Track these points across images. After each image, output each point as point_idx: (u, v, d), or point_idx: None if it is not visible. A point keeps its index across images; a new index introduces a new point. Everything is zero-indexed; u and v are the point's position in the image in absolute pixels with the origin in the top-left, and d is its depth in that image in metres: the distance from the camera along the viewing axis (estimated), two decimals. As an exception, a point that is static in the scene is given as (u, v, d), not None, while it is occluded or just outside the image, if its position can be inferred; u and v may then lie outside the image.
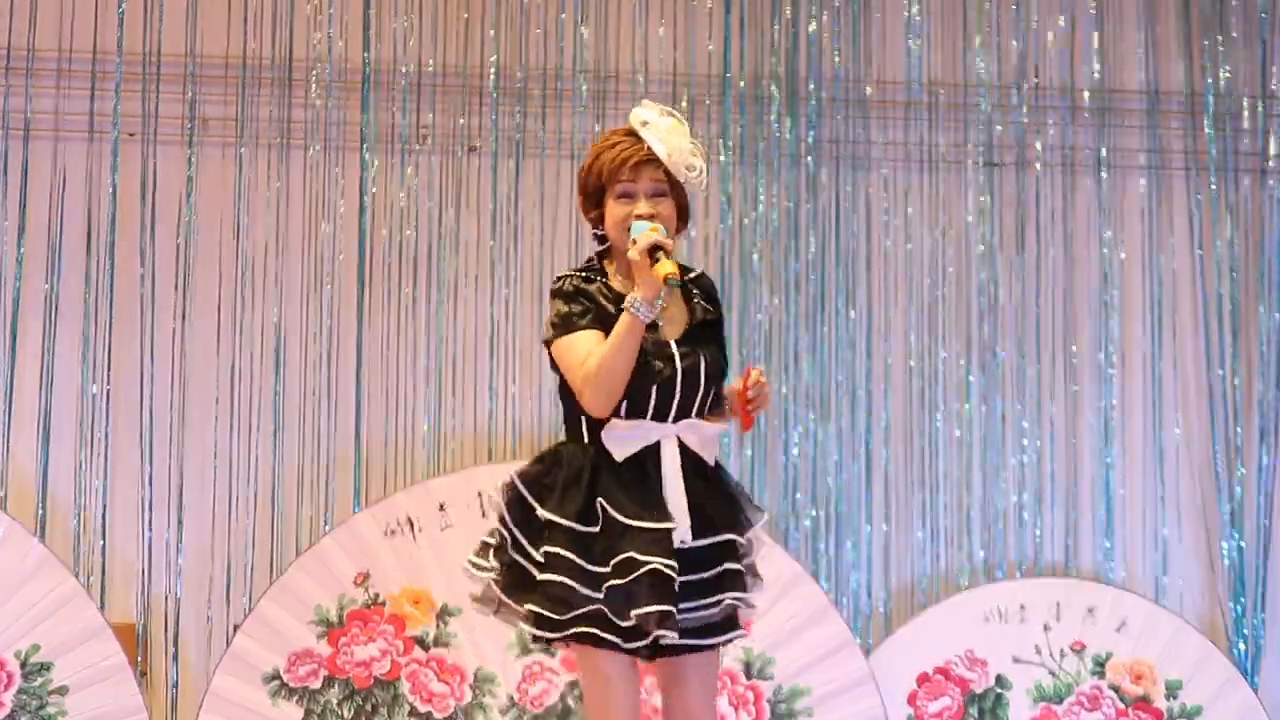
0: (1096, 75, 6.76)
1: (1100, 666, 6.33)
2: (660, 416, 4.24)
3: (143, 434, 6.38)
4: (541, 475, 4.28)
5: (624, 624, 4.11)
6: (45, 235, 6.42)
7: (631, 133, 4.30)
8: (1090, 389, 6.69)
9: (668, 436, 4.24)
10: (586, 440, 4.27)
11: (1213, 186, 6.74)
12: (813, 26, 6.65)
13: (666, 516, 4.17)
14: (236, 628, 6.17)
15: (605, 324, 4.23)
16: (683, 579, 4.14)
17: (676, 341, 4.26)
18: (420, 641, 6.14)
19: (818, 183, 6.63)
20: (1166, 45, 6.81)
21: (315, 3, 6.53)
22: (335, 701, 6.09)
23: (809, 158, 6.62)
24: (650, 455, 4.23)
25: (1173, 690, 6.30)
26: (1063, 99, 6.76)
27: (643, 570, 4.10)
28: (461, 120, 6.55)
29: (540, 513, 4.22)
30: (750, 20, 6.64)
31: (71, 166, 6.46)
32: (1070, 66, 6.78)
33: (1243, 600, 6.57)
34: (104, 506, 6.32)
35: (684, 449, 4.25)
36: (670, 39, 6.63)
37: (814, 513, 6.50)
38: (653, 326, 4.24)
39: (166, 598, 6.32)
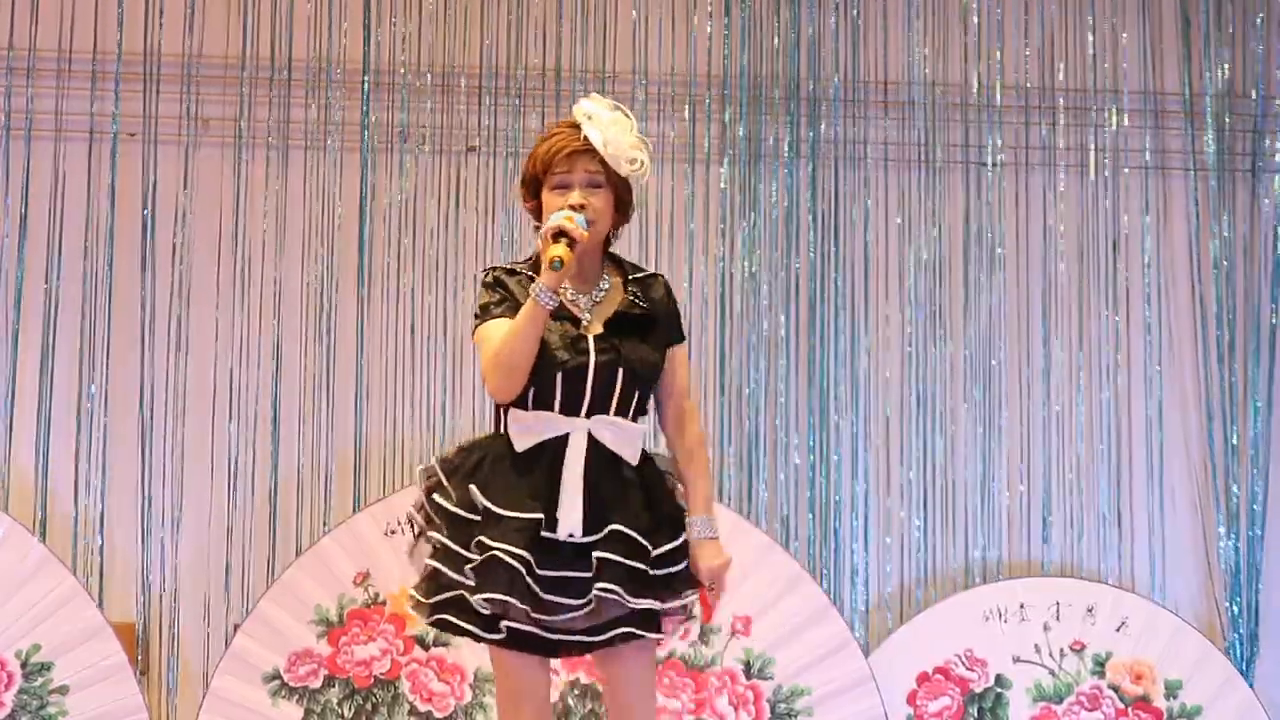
0: (1096, 76, 6.77)
1: (1100, 666, 6.33)
2: (570, 410, 4.19)
3: (142, 434, 6.38)
4: (460, 462, 4.28)
5: (482, 612, 4.10)
6: (45, 235, 6.42)
7: (574, 125, 4.28)
8: (1088, 389, 6.69)
9: (578, 431, 4.19)
10: (503, 430, 4.26)
11: (1211, 186, 6.75)
12: (812, 28, 6.65)
13: (537, 508, 4.14)
14: (236, 627, 6.17)
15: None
16: (572, 574, 4.12)
17: (596, 336, 4.21)
18: (420, 641, 6.14)
19: (817, 183, 6.63)
20: (1165, 45, 6.81)
21: (315, 3, 6.53)
22: (335, 701, 6.09)
23: (808, 158, 6.62)
24: (557, 448, 4.19)
25: (1172, 690, 6.30)
26: (1063, 99, 6.76)
27: (486, 555, 4.09)
28: (461, 120, 6.55)
29: (435, 498, 4.25)
30: (750, 20, 6.64)
31: (71, 167, 6.46)
32: (1071, 67, 6.78)
33: (1239, 599, 6.57)
34: (103, 506, 6.32)
35: (600, 445, 4.20)
36: (670, 39, 6.63)
37: (814, 512, 6.50)
38: (575, 321, 4.22)
39: (164, 596, 6.32)
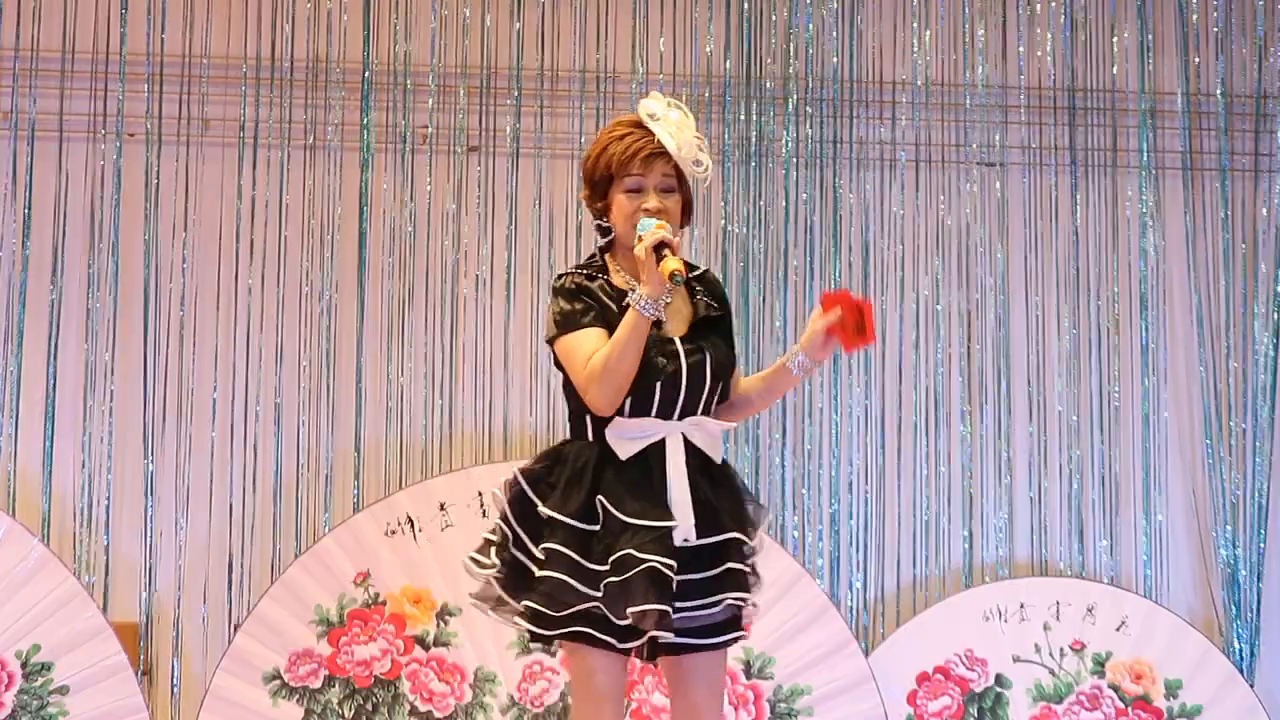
0: (1095, 76, 6.75)
1: (1100, 666, 6.32)
2: (665, 414, 4.19)
3: (145, 434, 6.39)
4: (544, 473, 4.24)
5: (620, 623, 4.08)
6: (49, 235, 6.44)
7: (639, 124, 4.24)
8: (1087, 388, 6.67)
9: (673, 434, 4.19)
10: (591, 438, 4.23)
11: (1210, 186, 6.73)
12: (811, 26, 6.64)
13: (668, 515, 4.13)
14: (237, 627, 6.19)
15: (608, 322, 4.18)
16: (684, 577, 4.11)
17: (681, 339, 4.22)
18: (420, 641, 6.15)
19: (815, 182, 6.62)
20: (1165, 45, 6.79)
21: (315, 3, 6.54)
22: (336, 701, 6.10)
23: (804, 158, 6.62)
24: (655, 453, 4.19)
25: (1172, 690, 6.29)
26: (1064, 99, 6.75)
27: (640, 568, 4.05)
28: (461, 120, 6.55)
29: (541, 510, 4.17)
30: (750, 20, 6.63)
31: (74, 167, 6.47)
32: (1070, 67, 6.76)
33: (1238, 598, 6.55)
34: (107, 506, 6.33)
35: (690, 447, 4.21)
36: (670, 39, 6.63)
37: (814, 512, 6.49)
38: (656, 324, 4.19)
39: (166, 596, 6.33)
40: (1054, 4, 6.76)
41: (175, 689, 6.28)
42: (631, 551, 4.07)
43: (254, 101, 6.50)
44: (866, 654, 6.26)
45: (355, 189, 6.49)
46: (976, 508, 6.58)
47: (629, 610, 4.06)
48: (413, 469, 6.41)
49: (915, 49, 6.69)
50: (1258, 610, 6.56)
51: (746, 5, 6.63)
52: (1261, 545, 6.60)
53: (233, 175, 6.49)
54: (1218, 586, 6.60)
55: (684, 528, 4.15)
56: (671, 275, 4.07)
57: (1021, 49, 6.74)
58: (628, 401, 4.18)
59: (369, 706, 6.11)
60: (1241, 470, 6.63)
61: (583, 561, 4.11)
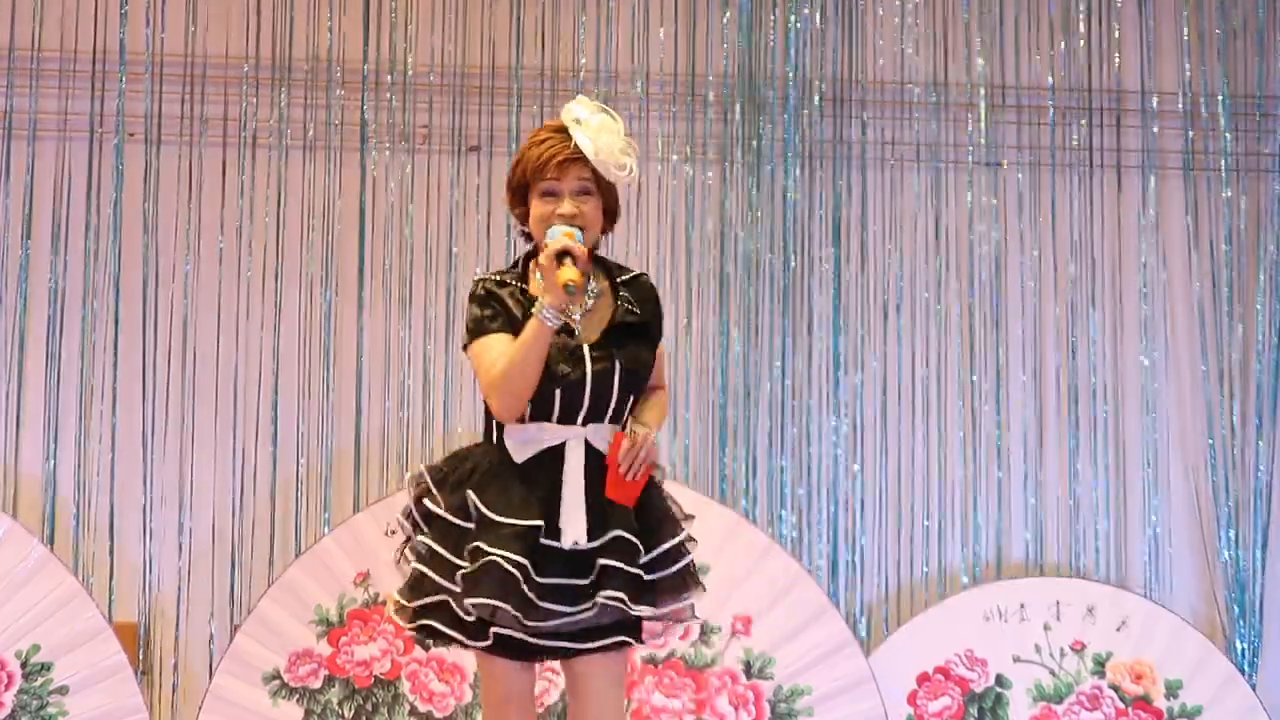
0: (1096, 75, 6.75)
1: (1100, 666, 6.32)
2: (567, 420, 4.18)
3: (146, 434, 6.39)
4: (447, 471, 4.27)
5: (468, 619, 4.10)
6: (49, 236, 6.44)
7: (562, 129, 4.23)
8: (1088, 388, 6.67)
9: (574, 439, 4.19)
10: (495, 440, 4.26)
11: (1210, 186, 6.73)
12: (810, 26, 6.65)
13: (536, 515, 4.13)
14: (236, 628, 6.19)
15: (515, 328, 4.17)
16: (569, 581, 4.11)
17: (591, 345, 4.20)
18: (421, 641, 6.14)
19: (815, 182, 6.62)
20: (1164, 44, 6.79)
21: (315, 2, 6.54)
22: (336, 701, 6.10)
23: (808, 158, 6.62)
24: (552, 457, 4.18)
25: (1173, 690, 6.29)
26: (1066, 99, 6.75)
27: (484, 560, 4.07)
28: (461, 120, 6.55)
29: (425, 504, 4.22)
30: (749, 20, 6.63)
31: (74, 167, 6.48)
32: (1070, 66, 6.76)
33: (1241, 599, 6.55)
34: (111, 507, 6.34)
35: (595, 452, 4.19)
36: (670, 39, 6.63)
37: (814, 512, 6.49)
38: (569, 331, 4.19)
39: (166, 596, 6.33)
40: (1056, 2, 6.76)
41: (175, 689, 6.29)
42: (481, 545, 4.09)
43: (254, 101, 6.50)
44: (866, 654, 6.25)
45: (355, 189, 6.49)
46: (976, 508, 6.58)
47: (469, 602, 4.07)
48: (413, 469, 6.38)
49: (920, 42, 6.69)
50: (1260, 610, 6.55)
51: (746, 5, 6.63)
52: (1264, 545, 6.60)
53: (233, 175, 6.49)
54: (1220, 587, 6.60)
55: (574, 531, 4.14)
56: (565, 285, 4.06)
57: (1021, 48, 6.74)
58: (528, 407, 4.19)
59: (369, 707, 6.11)
60: (1244, 469, 6.63)
61: (445, 554, 4.14)
